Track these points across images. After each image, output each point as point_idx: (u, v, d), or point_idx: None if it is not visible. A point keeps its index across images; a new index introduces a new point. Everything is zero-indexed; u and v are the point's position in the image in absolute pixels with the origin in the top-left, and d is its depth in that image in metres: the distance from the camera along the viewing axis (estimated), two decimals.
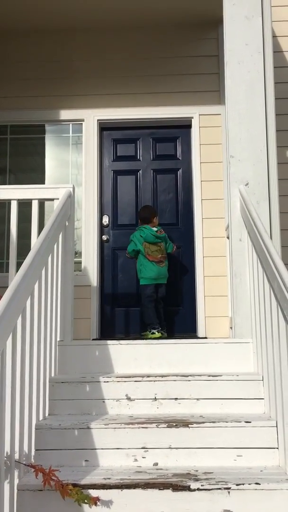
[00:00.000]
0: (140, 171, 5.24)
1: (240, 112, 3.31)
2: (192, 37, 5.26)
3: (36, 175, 5.27)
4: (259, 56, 3.35)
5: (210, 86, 5.19)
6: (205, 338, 4.53)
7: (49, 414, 2.67)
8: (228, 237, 4.69)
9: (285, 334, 2.20)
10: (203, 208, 4.98)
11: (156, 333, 4.51)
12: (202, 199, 5.00)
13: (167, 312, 4.93)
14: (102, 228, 5.09)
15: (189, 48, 5.25)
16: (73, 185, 3.33)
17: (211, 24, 5.23)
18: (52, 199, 3.32)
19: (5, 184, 5.18)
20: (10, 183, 5.18)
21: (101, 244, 5.05)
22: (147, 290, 4.62)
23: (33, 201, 3.30)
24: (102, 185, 5.16)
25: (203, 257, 4.91)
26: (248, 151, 3.25)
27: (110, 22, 5.12)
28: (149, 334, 4.55)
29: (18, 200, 3.31)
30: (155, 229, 4.68)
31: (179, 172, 5.22)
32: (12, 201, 3.30)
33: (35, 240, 3.20)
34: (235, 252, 3.17)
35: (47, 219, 4.74)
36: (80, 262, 4.95)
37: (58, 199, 3.27)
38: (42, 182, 5.21)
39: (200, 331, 4.80)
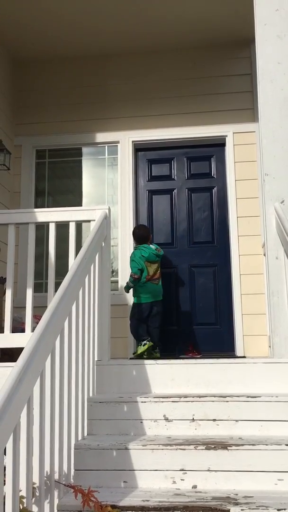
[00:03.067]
0: (175, 190, 5.28)
1: (274, 130, 3.30)
2: (224, 56, 5.31)
3: (73, 197, 5.39)
4: None
5: (244, 104, 5.21)
6: (244, 357, 4.47)
7: (87, 434, 2.69)
8: (264, 255, 4.66)
9: None
10: (238, 225, 4.96)
11: (147, 342, 4.38)
12: (237, 217, 4.98)
13: (206, 332, 4.90)
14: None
15: (221, 67, 5.29)
16: (109, 207, 3.40)
17: (243, 43, 5.28)
18: (89, 221, 3.40)
19: (44, 206, 5.32)
20: (48, 205, 5.32)
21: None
22: (143, 308, 4.49)
23: (70, 223, 3.38)
24: (138, 204, 5.23)
25: (240, 274, 4.87)
26: (283, 169, 3.23)
27: (142, 45, 5.25)
28: (141, 348, 4.37)
29: (56, 222, 3.40)
30: (153, 247, 4.57)
31: (214, 190, 5.23)
32: (50, 224, 3.39)
33: (72, 260, 3.28)
34: (271, 270, 3.14)
35: (84, 237, 4.86)
36: (116, 281, 5.00)
37: (94, 220, 3.33)
38: (79, 203, 5.32)
39: (238, 350, 4.74)
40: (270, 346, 3.38)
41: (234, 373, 2.97)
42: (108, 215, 3.36)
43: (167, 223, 5.20)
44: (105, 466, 2.40)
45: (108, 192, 5.35)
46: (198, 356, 4.64)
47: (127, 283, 4.47)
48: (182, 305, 5.04)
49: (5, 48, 5.22)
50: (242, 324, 4.78)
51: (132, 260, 4.51)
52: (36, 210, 3.42)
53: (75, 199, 5.37)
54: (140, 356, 4.28)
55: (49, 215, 3.40)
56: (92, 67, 5.39)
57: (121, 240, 5.08)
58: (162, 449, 2.39)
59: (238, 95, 5.24)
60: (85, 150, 5.43)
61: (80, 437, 2.57)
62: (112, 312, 3.52)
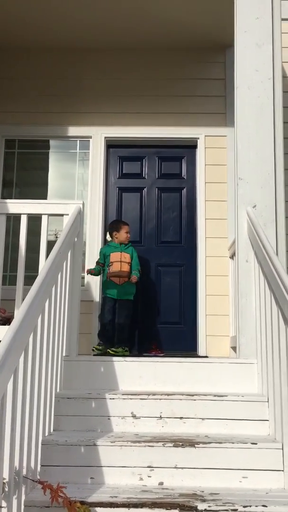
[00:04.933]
0: (145, 189, 5.30)
1: (249, 135, 3.37)
2: (200, 60, 5.36)
3: (42, 190, 5.31)
4: (269, 82, 3.42)
5: (216, 108, 5.28)
6: (206, 357, 4.54)
7: (54, 430, 2.67)
8: (231, 257, 4.76)
9: None
10: (206, 227, 5.03)
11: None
12: (206, 219, 5.05)
13: (170, 331, 4.96)
14: (105, 244, 5.11)
15: (196, 70, 5.35)
16: (83, 201, 3.38)
17: (219, 49, 5.35)
18: (62, 215, 3.37)
19: (11, 197, 5.21)
20: (15, 197, 5.22)
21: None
22: None
23: (42, 216, 3.34)
24: (107, 201, 5.21)
25: (206, 276, 4.94)
26: (257, 174, 3.31)
27: (119, 42, 5.22)
28: (123, 352, 4.30)
29: (28, 214, 3.35)
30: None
31: (184, 191, 5.29)
32: (22, 216, 3.34)
33: (43, 254, 3.24)
34: (241, 273, 3.21)
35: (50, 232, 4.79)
36: (83, 277, 4.96)
37: (67, 214, 3.31)
38: (48, 196, 5.25)
39: (201, 350, 4.81)
40: (232, 347, 3.44)
41: (201, 373, 3.01)
42: (82, 210, 3.34)
43: (135, 221, 5.21)
44: (72, 462, 2.39)
45: (78, 187, 5.30)
46: (161, 354, 4.67)
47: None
48: (147, 304, 5.06)
49: None
50: (206, 325, 4.85)
51: (137, 256, 4.57)
52: (8, 201, 3.35)
53: (43, 192, 5.30)
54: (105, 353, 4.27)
55: (22, 206, 3.34)
56: (68, 60, 5.32)
57: (90, 236, 5.05)
58: (131, 445, 2.40)
59: (211, 99, 5.30)
60: (56, 143, 5.37)
61: (46, 433, 2.54)
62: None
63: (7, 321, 4.18)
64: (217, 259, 4.97)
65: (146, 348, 4.85)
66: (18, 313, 2.03)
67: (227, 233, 5.01)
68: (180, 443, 2.40)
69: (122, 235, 4.53)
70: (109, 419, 2.69)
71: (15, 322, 1.96)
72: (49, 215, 3.36)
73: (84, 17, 4.82)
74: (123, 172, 5.34)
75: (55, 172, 5.36)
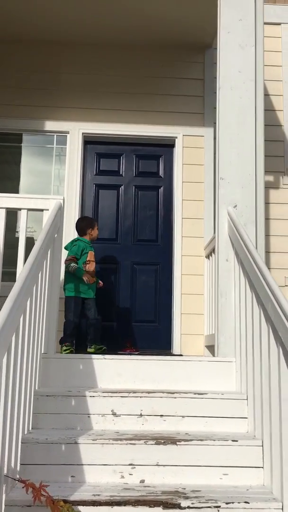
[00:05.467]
0: (122, 187, 5.27)
1: (231, 136, 3.40)
2: (179, 59, 5.38)
3: (17, 184, 5.21)
4: (251, 84, 3.46)
5: (195, 108, 5.31)
6: (181, 355, 4.55)
7: (32, 428, 2.62)
8: (206, 257, 4.80)
9: (277, 356, 2.26)
10: (183, 226, 5.05)
11: None
12: (182, 218, 5.07)
13: (145, 330, 4.96)
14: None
15: (176, 69, 5.36)
16: (64, 197, 3.33)
17: (198, 49, 5.38)
18: (42, 210, 3.31)
19: None
20: None
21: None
22: None
23: (22, 210, 3.28)
24: (84, 198, 5.16)
25: (182, 275, 4.97)
26: (238, 174, 3.34)
27: (100, 38, 5.18)
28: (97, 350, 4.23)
29: (7, 208, 3.28)
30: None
31: (161, 189, 5.29)
32: (0, 209, 3.27)
33: (22, 250, 3.18)
34: (221, 272, 3.23)
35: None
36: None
37: (47, 210, 3.27)
38: (23, 191, 5.15)
39: (175, 348, 4.83)
40: (210, 345, 3.46)
41: (181, 371, 3.02)
42: (62, 205, 3.29)
43: (112, 218, 5.18)
44: (53, 460, 2.35)
45: (54, 183, 5.23)
46: (136, 352, 4.65)
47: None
48: (122, 302, 5.05)
49: None
50: (181, 323, 4.87)
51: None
52: None
53: (17, 187, 5.20)
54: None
55: (0, 200, 3.27)
56: (46, 53, 5.24)
57: (65, 232, 4.95)
58: (112, 443, 2.39)
59: (190, 98, 5.33)
60: (32, 137, 5.27)
61: (26, 431, 2.49)
62: None
63: None
64: (193, 258, 5.00)
65: (120, 346, 4.82)
66: (1, 313, 1.98)
67: (203, 233, 5.04)
68: (162, 441, 2.40)
69: (96, 232, 4.46)
70: (89, 417, 2.66)
71: None
72: (28, 209, 3.30)
73: (63, 10, 4.75)
74: (100, 169, 5.29)
75: (30, 166, 5.27)
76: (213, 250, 4.38)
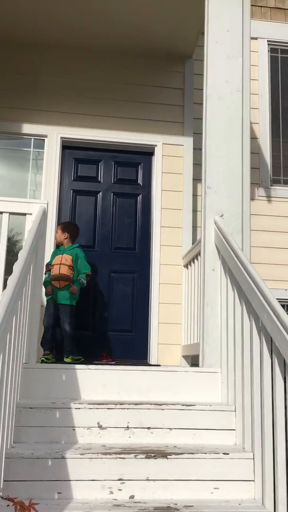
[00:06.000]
0: (100, 193, 5.20)
1: (218, 145, 3.40)
2: (160, 68, 5.37)
3: None
4: (238, 94, 3.48)
5: (174, 117, 5.31)
6: (158, 365, 4.49)
7: (14, 442, 2.50)
8: (185, 266, 4.77)
9: (270, 366, 2.23)
10: (161, 235, 5.02)
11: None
12: (161, 226, 5.04)
13: (121, 339, 4.88)
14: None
15: (156, 78, 5.35)
16: (47, 201, 3.24)
17: (178, 59, 5.40)
18: (25, 214, 3.20)
19: None
20: None
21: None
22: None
23: (3, 214, 3.16)
24: (61, 203, 5.05)
25: (159, 283, 4.92)
26: (225, 184, 3.33)
27: (81, 42, 5.12)
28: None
29: None
30: None
31: (139, 197, 5.24)
32: None
33: (3, 253, 3.06)
34: (208, 282, 3.20)
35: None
36: None
37: (30, 214, 3.16)
38: None
39: (152, 358, 4.76)
40: (199, 355, 3.32)
41: (166, 381, 2.97)
42: (46, 210, 3.20)
43: (90, 225, 5.10)
44: (38, 476, 2.24)
45: (31, 187, 5.10)
46: (113, 362, 4.56)
47: (83, 282, 4.24)
48: (98, 310, 4.95)
49: None
50: (158, 333, 4.82)
51: (83, 258, 4.31)
52: None
53: None
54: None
55: None
56: (25, 54, 5.12)
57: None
58: (101, 458, 2.30)
59: (170, 107, 5.32)
60: (8, 140, 5.13)
61: (8, 446, 2.37)
62: None
63: None
64: (171, 267, 4.97)
65: (96, 356, 4.72)
66: None
67: (182, 242, 5.02)
68: (152, 454, 2.33)
69: (57, 235, 4.45)
70: (74, 430, 2.57)
71: None
72: (11, 213, 3.18)
73: (45, 12, 4.67)
74: (78, 174, 5.21)
75: (5, 170, 5.12)
76: (192, 260, 4.37)
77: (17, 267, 2.34)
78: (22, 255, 2.49)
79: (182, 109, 5.35)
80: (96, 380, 2.91)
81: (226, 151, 3.38)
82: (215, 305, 3.16)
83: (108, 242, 5.11)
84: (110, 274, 5.04)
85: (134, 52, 5.28)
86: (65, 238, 4.44)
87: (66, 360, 4.04)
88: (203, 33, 5.01)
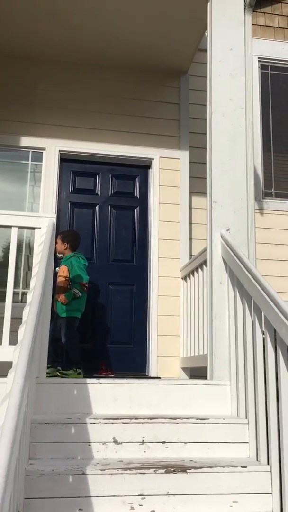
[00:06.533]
0: (98, 206, 5.22)
1: (223, 160, 3.46)
2: (156, 83, 5.45)
3: None
4: (242, 111, 3.55)
5: (171, 131, 5.38)
6: (158, 378, 4.51)
7: (30, 459, 2.48)
8: (183, 278, 4.81)
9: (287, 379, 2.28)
10: (159, 247, 5.06)
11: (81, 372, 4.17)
12: (159, 239, 5.08)
13: (120, 351, 4.88)
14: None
15: (152, 92, 5.42)
16: (56, 215, 3.24)
17: (174, 74, 5.49)
18: (34, 228, 3.20)
19: None
20: None
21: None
22: (77, 324, 4.31)
23: (12, 228, 3.16)
24: (59, 216, 5.05)
25: (158, 295, 4.94)
26: (230, 198, 3.39)
27: (78, 57, 5.18)
28: (75, 374, 4.08)
29: None
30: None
31: (137, 210, 5.28)
32: None
33: (13, 268, 3.06)
34: (215, 295, 3.24)
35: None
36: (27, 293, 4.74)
37: (40, 228, 3.17)
38: None
39: (152, 371, 4.77)
40: (207, 368, 3.32)
41: (176, 394, 2.98)
42: (55, 224, 3.20)
43: (88, 237, 5.10)
44: (59, 493, 2.23)
45: (29, 199, 5.10)
46: (112, 375, 4.57)
47: (74, 292, 4.19)
48: (97, 323, 4.95)
49: None
50: (157, 345, 4.83)
51: (76, 267, 4.26)
52: None
53: None
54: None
55: None
56: (23, 68, 5.15)
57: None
58: (122, 473, 2.30)
59: (166, 121, 5.40)
60: (7, 152, 5.12)
61: (26, 463, 2.35)
62: None
63: None
64: (169, 279, 5.00)
65: (95, 368, 4.71)
66: (25, 341, 1.87)
67: (179, 254, 5.07)
68: (172, 469, 2.34)
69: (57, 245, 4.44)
70: (89, 445, 2.56)
71: (24, 352, 1.81)
72: (19, 227, 3.18)
73: (42, 28, 4.73)
74: (76, 187, 5.22)
75: (3, 182, 5.11)
76: (192, 272, 4.41)
77: (38, 283, 2.34)
78: (41, 270, 2.49)
79: (179, 124, 5.43)
80: (107, 394, 2.91)
81: (230, 166, 3.45)
82: (223, 319, 3.20)
83: (106, 254, 5.12)
84: (108, 286, 5.05)
85: (131, 67, 5.36)
86: (65, 249, 4.44)
87: (59, 373, 4.03)
88: (200, 50, 5.20)
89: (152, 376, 4.71)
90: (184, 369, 4.73)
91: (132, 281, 5.09)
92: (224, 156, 3.46)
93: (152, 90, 5.43)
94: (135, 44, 4.99)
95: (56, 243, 4.52)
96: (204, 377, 4.37)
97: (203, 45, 5.43)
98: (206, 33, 4.99)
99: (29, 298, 2.42)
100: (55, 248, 4.54)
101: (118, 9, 4.47)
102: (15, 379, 1.59)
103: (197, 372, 4.65)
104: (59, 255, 4.48)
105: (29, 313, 2.05)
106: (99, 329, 4.94)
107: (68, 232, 4.67)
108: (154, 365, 4.80)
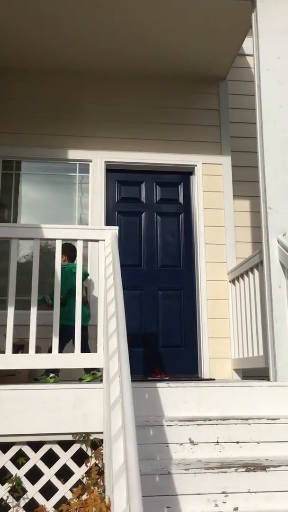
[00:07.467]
0: (144, 213, 5.36)
1: (276, 167, 3.56)
2: (195, 91, 5.56)
3: (41, 211, 5.22)
4: None
5: (212, 137, 5.48)
6: (213, 379, 4.61)
7: None
8: (231, 281, 4.91)
9: None
10: (206, 252, 5.16)
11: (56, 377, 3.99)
12: (205, 243, 5.19)
13: (172, 354, 5.01)
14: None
15: (192, 100, 5.53)
16: (118, 227, 3.39)
17: (213, 81, 5.59)
18: (97, 240, 3.36)
19: (9, 219, 5.11)
20: (13, 219, 5.11)
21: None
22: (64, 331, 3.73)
23: (77, 241, 3.32)
24: (107, 225, 5.21)
25: (207, 299, 5.05)
26: (285, 204, 3.48)
27: (118, 69, 5.33)
28: (46, 378, 3.90)
29: (63, 239, 3.31)
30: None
31: (181, 216, 5.40)
32: (57, 241, 3.30)
33: (79, 278, 3.21)
34: (275, 298, 3.34)
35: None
36: (88, 301, 4.91)
37: (103, 240, 3.31)
38: (47, 218, 5.16)
39: (205, 372, 4.88)
40: (270, 370, 3.37)
41: (242, 396, 3.09)
42: (117, 235, 3.35)
43: (135, 245, 5.25)
44: (147, 492, 2.36)
45: (77, 210, 5.28)
46: (166, 378, 4.69)
47: (46, 299, 3.99)
48: (148, 327, 5.09)
49: None
50: (209, 347, 4.94)
51: (61, 277, 4.03)
52: (43, 226, 3.29)
53: (42, 214, 5.21)
54: None
55: (57, 231, 3.30)
56: (67, 84, 5.34)
57: (91, 260, 5.02)
58: (204, 472, 2.42)
59: (206, 128, 5.50)
60: (55, 165, 5.32)
61: None
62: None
63: (20, 348, 4.06)
64: (217, 283, 5.10)
65: (149, 372, 4.86)
66: (122, 348, 2.02)
67: (226, 258, 5.17)
68: (252, 468, 2.45)
69: None
70: (167, 446, 2.69)
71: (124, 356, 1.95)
72: (84, 240, 3.34)
73: (85, 43, 4.90)
74: (122, 196, 5.38)
75: (54, 194, 5.30)
76: (241, 275, 4.51)
77: (118, 293, 2.49)
78: (117, 282, 2.64)
79: (219, 129, 5.53)
80: (176, 397, 3.04)
81: (284, 172, 3.54)
82: (284, 321, 3.29)
83: (154, 260, 5.26)
84: (157, 291, 5.18)
85: (171, 77, 5.49)
86: (63, 261, 4.38)
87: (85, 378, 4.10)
88: (240, 55, 5.30)
89: (205, 378, 4.82)
90: (236, 370, 4.82)
91: (180, 286, 5.22)
92: (276, 163, 3.56)
93: (192, 98, 5.55)
94: (176, 55, 5.12)
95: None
96: (258, 377, 4.47)
97: (241, 50, 5.55)
98: (246, 40, 5.10)
99: (111, 309, 2.57)
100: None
101: (160, 22, 4.61)
102: (123, 386, 1.73)
103: (250, 372, 4.74)
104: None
105: (118, 323, 2.20)
106: (151, 334, 5.08)
107: (63, 245, 4.36)
108: (206, 367, 4.90)
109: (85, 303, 4.20)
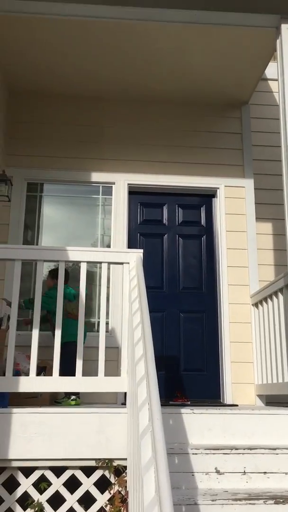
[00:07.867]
0: (166, 235, 5.37)
1: None
2: (218, 115, 5.60)
3: (64, 233, 5.27)
4: None
5: (234, 160, 5.49)
6: (236, 405, 4.53)
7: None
8: (254, 305, 4.85)
9: None
10: (228, 274, 5.13)
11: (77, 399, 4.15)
12: (227, 266, 5.15)
13: (193, 378, 4.95)
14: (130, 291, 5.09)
15: (215, 124, 5.57)
16: (142, 250, 3.39)
17: (235, 105, 5.64)
18: (122, 263, 3.36)
19: (33, 241, 5.16)
20: (38, 240, 5.16)
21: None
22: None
23: (102, 263, 3.33)
24: (130, 247, 5.22)
25: (229, 322, 5.00)
26: None
27: (140, 94, 5.41)
28: (68, 401, 4.10)
29: (88, 262, 3.32)
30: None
31: (203, 238, 5.39)
32: (82, 263, 3.31)
33: (104, 301, 3.21)
34: None
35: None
36: (107, 323, 4.90)
37: (128, 263, 3.32)
38: (70, 240, 5.21)
39: (227, 398, 4.80)
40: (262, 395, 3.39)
41: (268, 424, 3.03)
42: (141, 258, 3.35)
43: (157, 266, 5.25)
44: None
45: (100, 232, 5.31)
46: (188, 402, 4.62)
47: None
48: (169, 350, 5.05)
49: (1, 76, 5.11)
50: (231, 372, 4.86)
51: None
52: (68, 248, 3.31)
53: (66, 236, 5.26)
54: None
55: (82, 254, 3.32)
56: (89, 107, 5.43)
57: (113, 281, 5.02)
58: (232, 504, 2.36)
59: (229, 151, 5.52)
60: (78, 188, 5.37)
61: None
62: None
63: (42, 369, 4.06)
64: (239, 306, 5.05)
65: (170, 396, 4.79)
66: (151, 371, 1.99)
67: (248, 281, 5.12)
68: (281, 500, 2.38)
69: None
70: (193, 475, 2.64)
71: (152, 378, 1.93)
72: (109, 263, 3.35)
73: (108, 70, 5.03)
74: (144, 218, 5.40)
75: (76, 216, 5.34)
76: (265, 299, 4.46)
77: (145, 317, 2.47)
78: (143, 305, 2.63)
79: (242, 152, 5.54)
80: (201, 424, 2.99)
81: None
82: None
83: (175, 282, 5.24)
84: (179, 314, 5.15)
85: (194, 101, 5.56)
86: (54, 283, 4.35)
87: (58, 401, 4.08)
88: (263, 79, 5.34)
89: (228, 403, 4.74)
90: (259, 396, 4.73)
91: (202, 309, 5.18)
92: None
93: (215, 122, 5.59)
94: (199, 81, 5.19)
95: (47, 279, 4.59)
96: (283, 404, 4.38)
97: (263, 75, 5.59)
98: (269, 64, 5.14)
99: (137, 333, 2.55)
100: (46, 283, 4.56)
101: (187, 50, 4.69)
102: (154, 415, 1.71)
103: (274, 399, 4.65)
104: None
105: (146, 349, 2.18)
106: (172, 357, 5.03)
107: (55, 270, 4.29)
108: (229, 392, 4.82)
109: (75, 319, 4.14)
